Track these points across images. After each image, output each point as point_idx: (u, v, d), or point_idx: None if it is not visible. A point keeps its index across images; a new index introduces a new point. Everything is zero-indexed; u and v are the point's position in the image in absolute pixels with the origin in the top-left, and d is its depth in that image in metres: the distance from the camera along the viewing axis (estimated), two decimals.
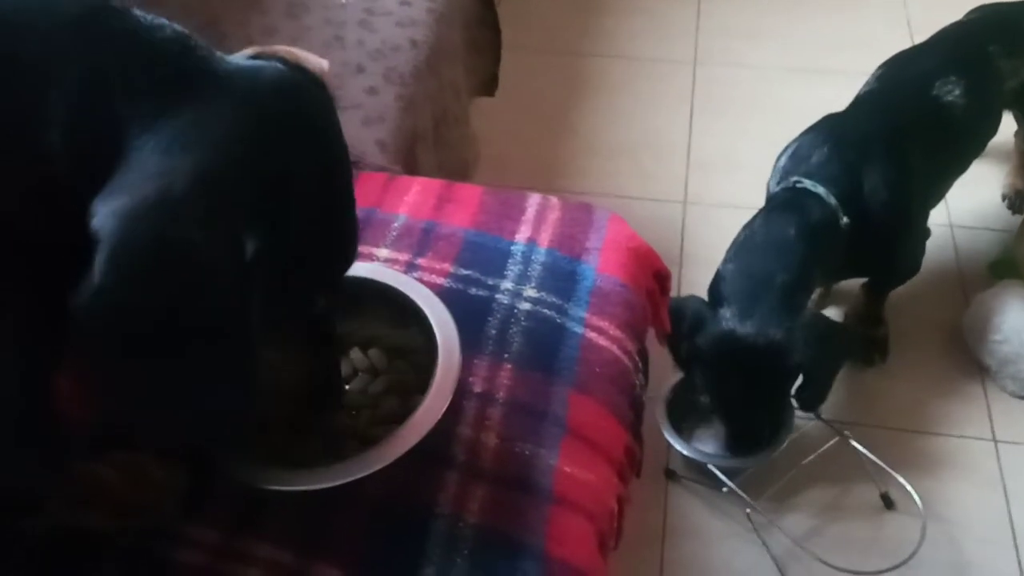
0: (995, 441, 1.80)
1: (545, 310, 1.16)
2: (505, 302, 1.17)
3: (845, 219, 1.63)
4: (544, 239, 1.25)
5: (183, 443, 0.91)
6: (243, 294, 0.73)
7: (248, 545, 0.94)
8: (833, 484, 1.72)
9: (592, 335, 1.15)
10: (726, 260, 1.65)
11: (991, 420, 1.83)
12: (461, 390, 1.03)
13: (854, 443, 1.68)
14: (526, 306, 1.16)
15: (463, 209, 1.28)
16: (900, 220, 1.72)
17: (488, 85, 2.13)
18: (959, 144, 1.84)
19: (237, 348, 0.75)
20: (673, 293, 1.45)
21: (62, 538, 0.92)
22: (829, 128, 1.74)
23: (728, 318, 1.56)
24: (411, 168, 1.58)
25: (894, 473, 1.69)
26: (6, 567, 0.89)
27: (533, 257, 1.22)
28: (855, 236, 1.64)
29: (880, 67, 1.89)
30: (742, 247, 1.65)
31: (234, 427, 0.84)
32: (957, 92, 1.75)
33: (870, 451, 1.70)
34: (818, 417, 1.72)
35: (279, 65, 0.82)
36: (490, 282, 1.19)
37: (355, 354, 1.05)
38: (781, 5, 2.80)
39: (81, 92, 0.71)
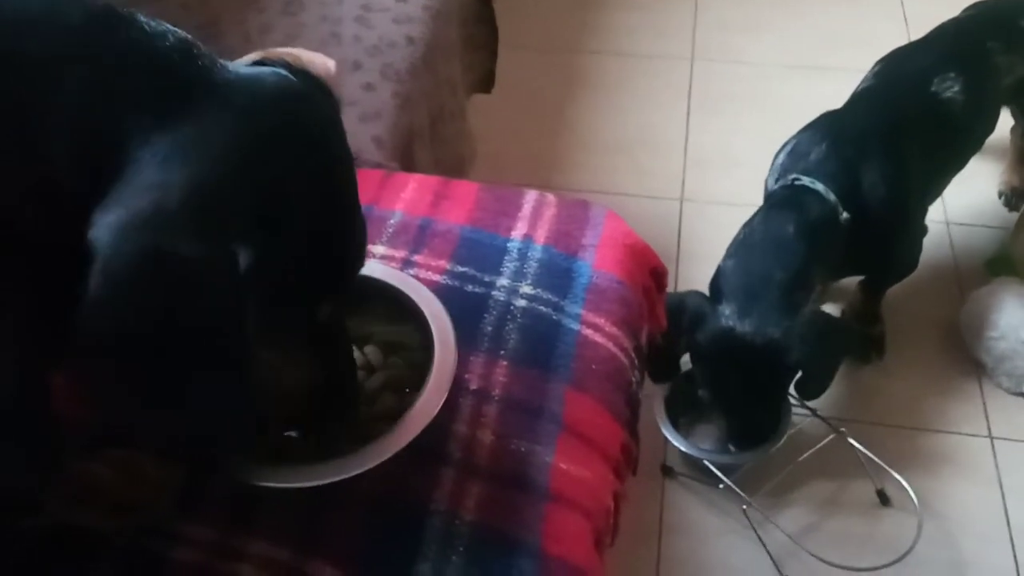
0: (991, 438, 1.80)
1: (541, 307, 1.16)
2: (501, 299, 1.16)
3: (845, 215, 1.63)
4: (540, 236, 1.25)
5: (181, 445, 0.91)
6: (237, 305, 0.73)
7: (244, 542, 0.94)
8: (829, 481, 1.73)
9: (588, 332, 1.15)
10: (726, 257, 1.65)
11: (987, 417, 1.83)
12: (457, 387, 1.03)
13: (850, 440, 1.69)
14: (522, 303, 1.16)
15: (459, 206, 1.28)
16: (898, 217, 1.73)
17: (485, 82, 2.13)
18: (957, 141, 1.84)
19: (232, 357, 0.76)
20: (670, 290, 1.45)
21: (59, 537, 0.92)
22: (828, 125, 1.74)
23: (727, 315, 1.57)
24: (408, 165, 1.58)
25: (890, 470, 1.69)
26: (3, 566, 0.89)
27: (529, 254, 1.22)
28: (854, 233, 1.64)
29: (877, 63, 1.89)
30: (742, 244, 1.65)
31: (232, 431, 0.84)
32: (956, 89, 1.75)
33: (866, 448, 1.70)
34: (815, 414, 1.72)
35: (281, 72, 0.81)
36: (486, 279, 1.19)
37: None
38: (779, 0, 2.80)
39: (82, 100, 0.71)
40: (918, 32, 1.98)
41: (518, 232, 1.25)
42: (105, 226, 0.68)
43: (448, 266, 1.19)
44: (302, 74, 0.84)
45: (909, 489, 1.67)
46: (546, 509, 0.99)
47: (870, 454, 1.69)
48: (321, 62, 0.88)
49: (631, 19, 2.76)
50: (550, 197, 1.32)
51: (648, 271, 1.30)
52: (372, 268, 1.10)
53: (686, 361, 1.70)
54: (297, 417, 0.94)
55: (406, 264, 1.19)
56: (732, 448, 1.70)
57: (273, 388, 0.89)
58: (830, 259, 1.66)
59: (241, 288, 0.72)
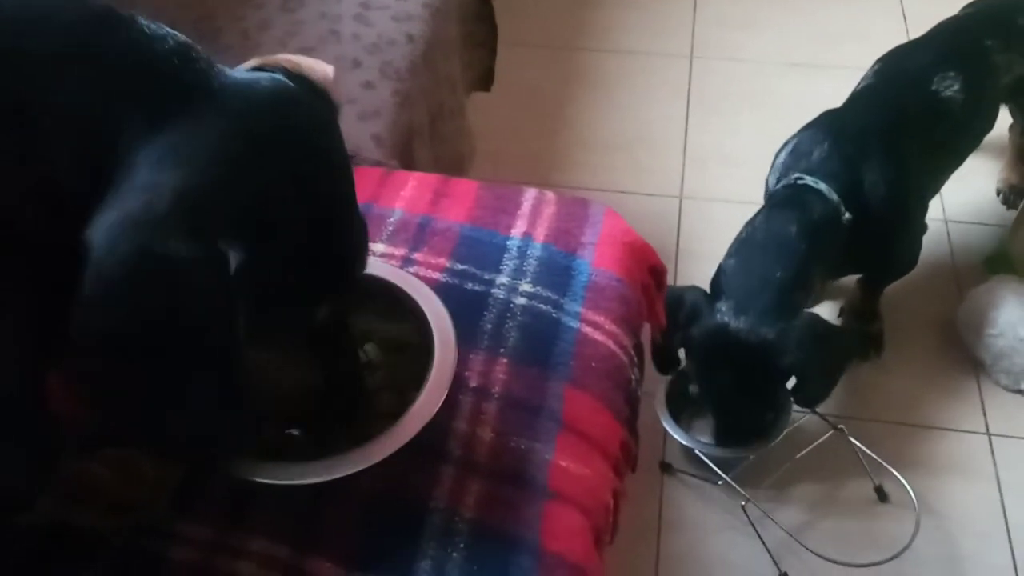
0: (989, 435, 1.80)
1: (541, 305, 1.17)
2: (501, 297, 1.17)
3: (847, 215, 1.63)
4: (540, 234, 1.25)
5: (176, 443, 0.92)
6: (226, 305, 0.74)
7: (243, 540, 0.95)
8: (828, 477, 1.73)
9: (588, 330, 1.16)
10: (727, 255, 1.65)
11: (985, 414, 1.83)
12: (457, 385, 1.03)
13: (849, 437, 1.69)
14: (522, 301, 1.17)
15: (459, 204, 1.29)
16: (899, 216, 1.73)
17: (484, 80, 2.13)
18: (957, 139, 1.84)
19: (222, 355, 0.77)
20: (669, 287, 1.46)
21: (56, 536, 0.93)
22: (829, 124, 1.74)
23: (724, 311, 1.57)
24: (407, 163, 1.58)
25: (888, 467, 1.69)
26: (1, 562, 0.89)
27: (529, 252, 1.22)
28: (854, 232, 1.64)
29: (877, 62, 1.89)
30: (744, 243, 1.65)
31: (226, 428, 0.84)
32: (956, 87, 1.75)
33: (865, 445, 1.70)
34: (813, 411, 1.73)
35: (278, 77, 0.82)
36: (486, 277, 1.19)
37: None
38: None
39: (82, 99, 0.72)
40: (916, 29, 1.98)
41: (517, 230, 1.25)
42: (99, 226, 0.70)
43: (448, 264, 1.20)
44: (299, 79, 0.84)
45: (907, 486, 1.67)
46: (545, 506, 0.99)
47: (868, 451, 1.70)
48: (320, 68, 0.88)
49: (630, 17, 2.76)
50: (549, 195, 1.32)
51: (647, 269, 1.30)
52: (372, 266, 1.10)
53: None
54: (300, 416, 0.95)
55: (406, 262, 1.19)
56: (716, 444, 1.70)
57: (272, 387, 0.89)
58: (831, 259, 1.66)
59: (231, 288, 0.73)
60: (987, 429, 1.81)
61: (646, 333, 1.34)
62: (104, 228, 0.70)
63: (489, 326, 1.14)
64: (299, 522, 0.96)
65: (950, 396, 1.86)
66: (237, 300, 0.75)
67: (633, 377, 1.20)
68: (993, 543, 1.65)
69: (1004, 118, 2.01)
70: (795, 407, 1.71)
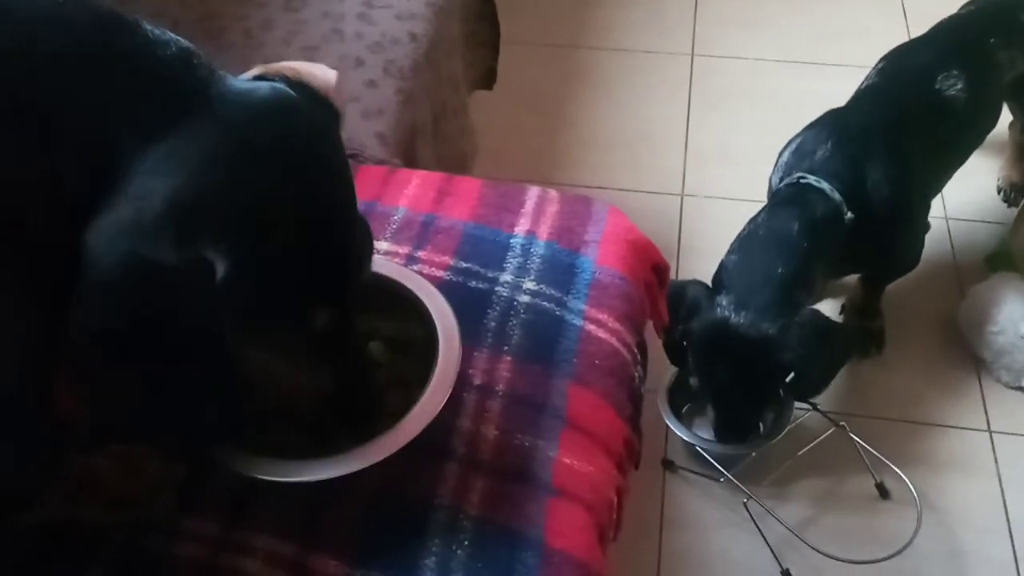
0: (990, 432, 1.81)
1: (544, 303, 1.17)
2: (504, 295, 1.17)
3: (849, 214, 1.63)
4: (543, 232, 1.25)
5: (168, 437, 0.93)
6: (212, 312, 0.76)
7: (248, 537, 0.95)
8: (829, 474, 1.73)
9: (591, 327, 1.16)
10: (730, 251, 1.66)
11: (986, 411, 1.84)
12: (461, 382, 1.04)
13: (851, 434, 1.70)
14: (525, 299, 1.17)
15: (462, 202, 1.29)
16: (902, 215, 1.73)
17: (486, 78, 2.13)
18: (960, 138, 1.84)
19: (208, 357, 0.79)
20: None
21: (58, 533, 0.93)
22: (832, 123, 1.75)
23: (724, 306, 1.57)
24: (410, 161, 1.58)
25: (890, 463, 1.70)
26: (3, 562, 0.90)
27: (532, 250, 1.23)
28: (857, 231, 1.64)
29: (880, 61, 1.89)
30: (746, 240, 1.65)
31: (218, 425, 0.85)
32: (959, 86, 1.75)
33: (866, 442, 1.70)
34: (815, 408, 1.73)
35: (278, 86, 0.82)
36: (489, 275, 1.19)
37: None
38: None
39: (85, 102, 0.73)
40: (917, 27, 1.99)
41: (521, 228, 1.25)
42: (94, 230, 0.72)
43: (452, 262, 1.20)
44: (300, 87, 0.84)
45: (909, 483, 1.68)
46: (549, 503, 0.99)
47: (870, 448, 1.70)
48: (322, 75, 0.89)
49: (631, 15, 2.76)
50: (552, 193, 1.33)
51: (650, 267, 1.31)
52: (376, 264, 1.11)
53: None
54: (306, 418, 0.95)
55: (410, 260, 1.20)
56: (715, 439, 1.70)
57: (278, 390, 0.90)
58: (833, 257, 1.67)
59: (216, 295, 0.75)
60: (988, 426, 1.82)
61: (650, 330, 1.34)
62: (98, 232, 0.72)
63: (493, 324, 1.14)
64: (304, 519, 0.96)
65: (951, 393, 1.87)
66: (226, 305, 0.76)
67: (636, 374, 1.20)
68: (994, 538, 1.66)
69: (1005, 116, 2.01)
70: (797, 405, 1.71)
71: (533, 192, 1.32)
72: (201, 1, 1.73)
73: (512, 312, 1.15)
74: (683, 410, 1.77)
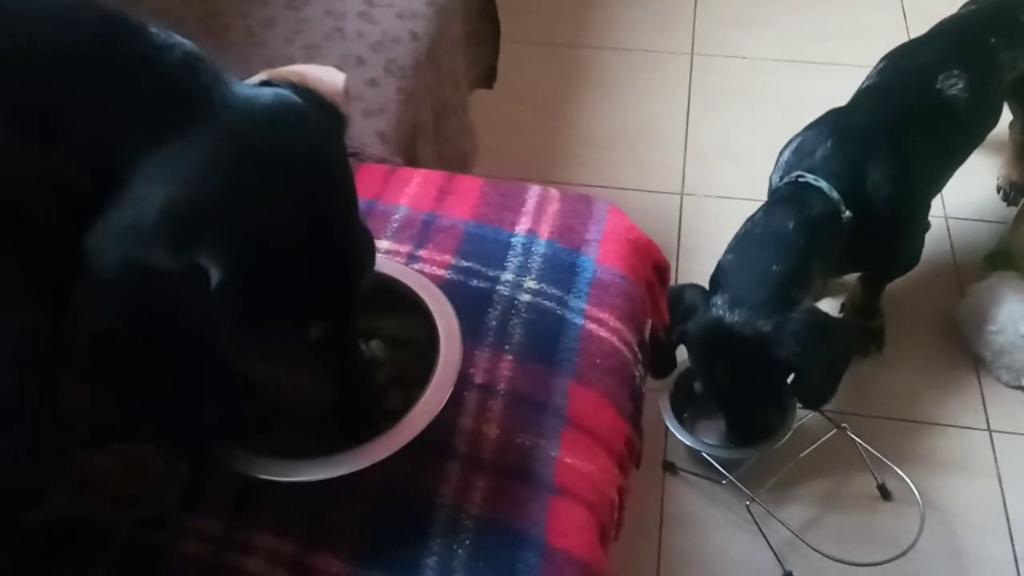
0: (990, 431, 1.81)
1: (545, 301, 1.17)
2: (506, 293, 1.17)
3: (847, 213, 1.63)
4: (544, 231, 1.25)
5: (172, 437, 0.93)
6: (206, 318, 0.76)
7: (250, 535, 0.95)
8: (831, 475, 1.73)
9: (592, 326, 1.16)
10: (727, 251, 1.66)
11: (986, 410, 1.84)
12: (462, 381, 1.04)
13: (852, 435, 1.70)
14: (526, 297, 1.17)
15: (464, 201, 1.29)
16: (902, 214, 1.73)
17: (487, 77, 2.13)
18: (961, 138, 1.84)
19: (210, 359, 0.79)
20: (670, 284, 1.46)
21: (62, 530, 0.93)
22: (833, 122, 1.75)
23: (719, 305, 1.57)
24: (411, 160, 1.58)
25: (891, 464, 1.70)
26: (6, 558, 0.90)
27: (533, 249, 1.23)
28: (857, 230, 1.64)
29: (881, 60, 1.89)
30: (742, 239, 1.65)
31: (219, 424, 0.86)
32: (960, 86, 1.75)
33: (867, 441, 1.71)
34: (816, 409, 1.73)
35: (283, 92, 0.82)
36: (491, 273, 1.19)
37: None
38: None
39: (92, 103, 0.73)
40: (916, 26, 1.99)
41: (522, 227, 1.25)
42: (94, 234, 0.72)
43: (453, 261, 1.20)
44: (305, 94, 0.84)
45: (911, 485, 1.68)
46: (551, 503, 0.99)
47: (871, 449, 1.70)
48: (329, 80, 0.88)
49: (631, 14, 2.76)
50: (553, 192, 1.32)
51: (651, 266, 1.31)
52: (377, 263, 1.11)
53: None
54: (309, 421, 0.95)
55: (411, 259, 1.20)
56: (730, 444, 1.70)
57: (281, 395, 0.90)
58: (831, 256, 1.66)
59: (211, 300, 0.75)
60: (988, 425, 1.82)
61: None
62: (97, 235, 0.72)
63: (494, 323, 1.14)
64: (306, 518, 0.96)
65: (951, 392, 1.87)
66: (220, 312, 0.76)
67: (637, 373, 1.20)
68: (994, 538, 1.66)
69: (1005, 115, 2.01)
70: (799, 406, 1.71)
71: (534, 191, 1.32)
72: (202, 1, 1.73)
73: (513, 311, 1.15)
74: (685, 414, 1.76)
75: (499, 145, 2.27)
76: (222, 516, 0.96)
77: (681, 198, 2.24)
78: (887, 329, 1.93)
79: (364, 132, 1.52)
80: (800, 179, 1.66)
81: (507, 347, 1.12)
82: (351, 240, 0.85)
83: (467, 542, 0.95)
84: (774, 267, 1.57)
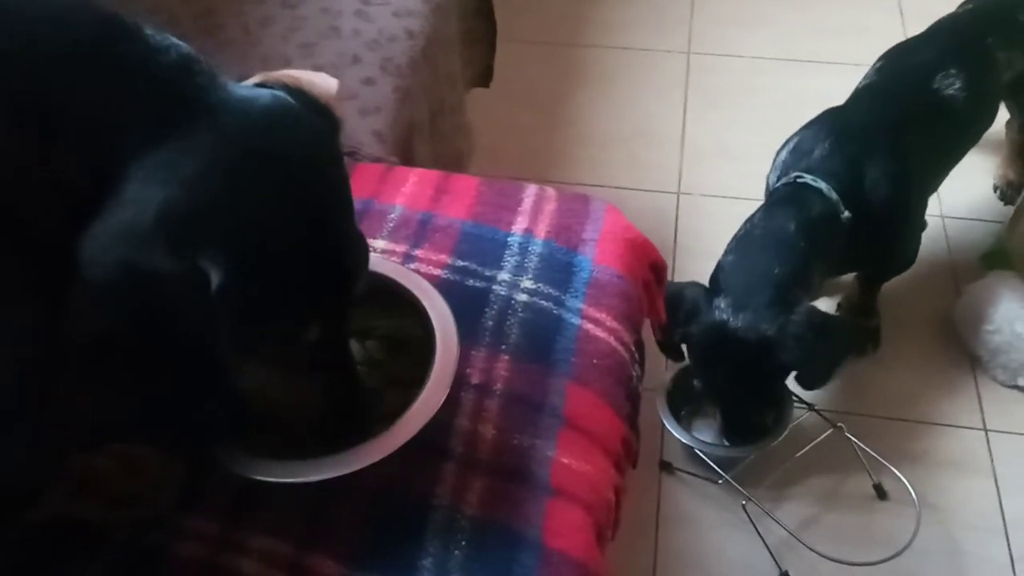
0: (986, 430, 1.81)
1: (542, 301, 1.17)
2: (502, 293, 1.17)
3: (846, 213, 1.63)
4: (541, 230, 1.25)
5: (170, 437, 0.93)
6: (206, 320, 0.76)
7: (246, 536, 0.95)
8: (827, 475, 1.73)
9: (589, 326, 1.16)
10: (727, 252, 1.66)
11: (982, 409, 1.84)
12: (459, 382, 1.03)
13: (848, 435, 1.69)
14: (523, 297, 1.17)
15: (460, 200, 1.29)
16: (900, 214, 1.73)
17: (483, 76, 2.13)
18: (958, 137, 1.84)
19: (209, 359, 0.79)
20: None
21: (60, 531, 0.93)
22: (830, 122, 1.74)
23: (723, 308, 1.57)
24: (407, 159, 1.58)
25: (888, 464, 1.70)
26: (5, 558, 0.89)
27: (530, 248, 1.22)
28: (855, 230, 1.64)
29: (879, 60, 1.89)
30: (742, 240, 1.65)
31: (218, 425, 0.85)
32: (958, 85, 1.75)
33: (863, 441, 1.71)
34: (812, 408, 1.73)
35: (279, 94, 0.82)
36: (487, 273, 1.19)
37: (352, 346, 1.05)
38: None
39: (89, 104, 0.73)
40: (914, 24, 1.99)
41: (519, 226, 1.25)
42: (89, 236, 0.72)
43: (449, 260, 1.20)
44: (299, 96, 0.84)
45: (908, 484, 1.68)
46: (547, 503, 0.99)
47: (868, 449, 1.70)
48: (323, 84, 0.88)
49: (628, 13, 2.76)
50: (550, 191, 1.32)
51: (648, 265, 1.30)
52: (373, 263, 1.10)
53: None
54: (304, 423, 0.95)
55: (407, 258, 1.19)
56: (725, 442, 1.70)
57: (275, 399, 0.90)
58: (830, 256, 1.67)
59: (211, 303, 0.75)
60: (984, 424, 1.82)
61: (647, 329, 1.34)
62: (92, 238, 0.72)
63: (490, 323, 1.14)
64: (302, 519, 0.96)
65: (947, 392, 1.87)
66: (220, 314, 0.76)
67: (634, 373, 1.20)
68: (991, 537, 1.66)
69: (1001, 114, 2.01)
70: (796, 405, 1.71)
71: (531, 190, 1.31)
72: None
73: (510, 311, 1.15)
74: (682, 413, 1.76)
75: (496, 144, 2.26)
76: (218, 517, 0.96)
77: (678, 197, 2.24)
78: (883, 329, 1.93)
79: (360, 131, 1.51)
80: (799, 180, 1.66)
81: (504, 347, 1.11)
82: (347, 242, 0.85)
83: (463, 543, 0.95)
84: (776, 269, 1.57)
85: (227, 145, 0.76)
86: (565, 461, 1.03)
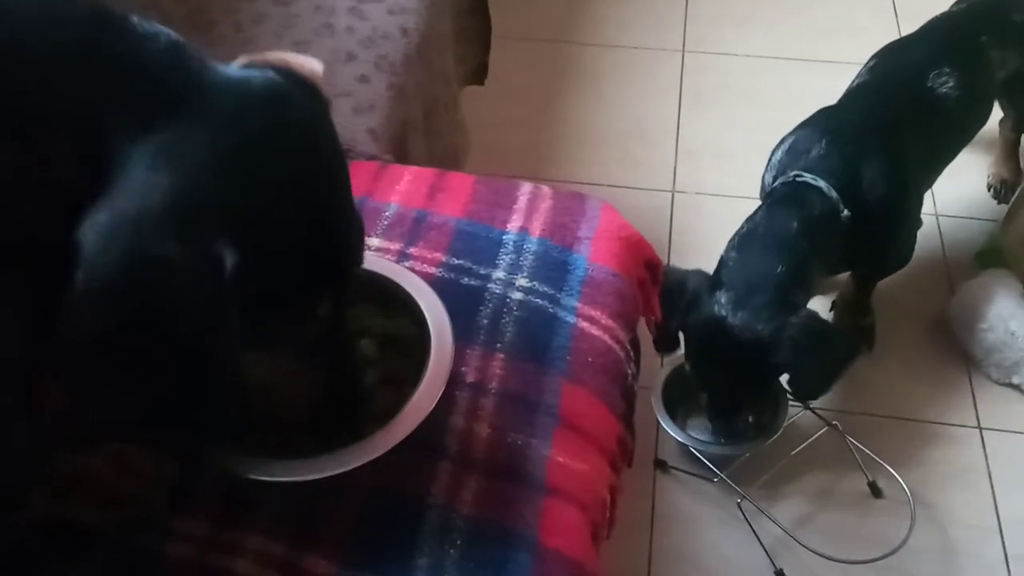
0: (980, 428, 1.81)
1: (537, 299, 1.16)
2: (497, 292, 1.16)
3: (846, 212, 1.63)
4: (536, 228, 1.25)
5: (163, 438, 0.92)
6: (220, 307, 0.75)
7: (239, 536, 0.94)
8: (822, 473, 1.73)
9: (584, 324, 1.15)
10: (729, 248, 1.65)
11: (976, 408, 1.84)
12: (453, 380, 1.03)
13: (843, 433, 1.70)
14: (518, 295, 1.16)
15: (455, 198, 1.28)
16: (897, 212, 1.73)
17: (478, 74, 2.12)
18: (952, 135, 1.84)
19: (214, 354, 0.78)
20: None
21: (51, 531, 0.92)
22: (825, 122, 1.75)
23: (722, 303, 1.57)
24: (402, 157, 1.57)
25: (883, 462, 1.70)
26: None
27: (525, 246, 1.22)
28: (852, 229, 1.64)
29: (872, 58, 1.89)
30: (746, 237, 1.65)
31: (214, 426, 0.85)
32: (951, 84, 1.75)
33: (857, 439, 1.71)
34: (807, 407, 1.73)
35: (270, 75, 0.82)
36: (482, 271, 1.18)
37: None
38: None
39: (80, 98, 0.73)
40: (908, 24, 1.99)
41: (514, 225, 1.25)
42: (91, 227, 0.70)
43: (444, 259, 1.19)
44: (289, 76, 0.84)
45: (902, 483, 1.68)
46: (543, 502, 0.99)
47: (863, 447, 1.70)
48: (308, 65, 0.88)
49: (622, 11, 2.76)
50: (545, 189, 1.32)
51: (643, 263, 1.30)
52: (368, 261, 1.10)
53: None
54: (299, 421, 0.94)
55: (402, 256, 1.19)
56: (710, 431, 1.70)
57: (273, 392, 0.89)
58: (830, 256, 1.67)
59: (225, 289, 0.74)
60: (978, 423, 1.82)
61: (642, 326, 1.34)
62: (96, 229, 0.70)
63: (485, 321, 1.13)
64: (296, 519, 0.96)
65: (942, 390, 1.87)
66: (231, 300, 0.75)
67: (629, 372, 1.20)
68: (985, 535, 1.66)
69: (995, 112, 2.01)
70: (791, 403, 1.71)
71: (526, 188, 1.31)
72: None
73: (505, 309, 1.15)
74: (677, 411, 1.76)
75: (491, 142, 2.26)
76: (210, 517, 0.95)
77: (672, 195, 2.24)
78: (878, 327, 1.93)
79: (354, 129, 1.50)
80: (798, 179, 1.66)
81: (499, 345, 1.11)
82: (347, 217, 0.86)
83: (458, 542, 0.95)
84: (778, 268, 1.57)
85: (228, 127, 0.76)
86: (560, 460, 1.03)
